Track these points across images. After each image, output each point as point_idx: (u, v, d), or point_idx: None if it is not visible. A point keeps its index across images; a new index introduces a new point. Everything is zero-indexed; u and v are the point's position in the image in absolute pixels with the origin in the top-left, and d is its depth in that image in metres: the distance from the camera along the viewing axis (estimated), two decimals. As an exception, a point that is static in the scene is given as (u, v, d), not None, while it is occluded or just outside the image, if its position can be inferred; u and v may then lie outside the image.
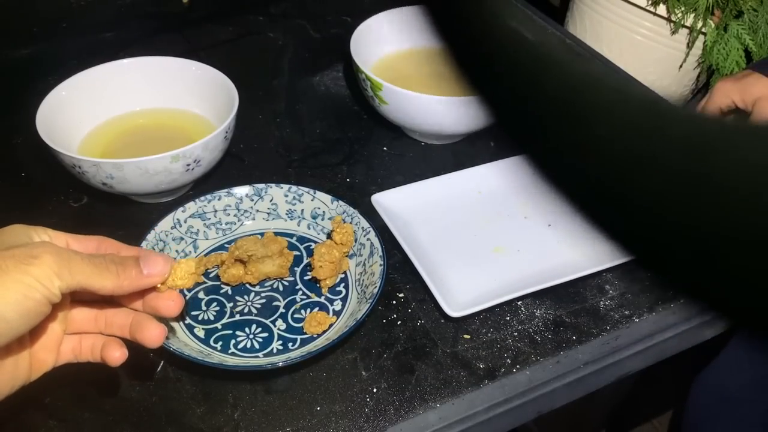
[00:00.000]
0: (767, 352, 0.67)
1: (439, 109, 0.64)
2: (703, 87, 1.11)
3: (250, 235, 0.57)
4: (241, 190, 0.59)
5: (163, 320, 0.51)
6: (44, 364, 0.41)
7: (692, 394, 0.76)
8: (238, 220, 0.60)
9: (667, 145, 0.20)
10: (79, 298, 0.41)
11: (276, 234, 0.57)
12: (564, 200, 0.23)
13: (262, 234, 0.58)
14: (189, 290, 0.55)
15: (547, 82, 0.23)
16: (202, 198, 0.58)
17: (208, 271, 0.56)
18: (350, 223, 0.57)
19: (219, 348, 0.51)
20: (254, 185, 0.60)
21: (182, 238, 0.57)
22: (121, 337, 0.42)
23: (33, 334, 0.39)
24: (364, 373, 0.50)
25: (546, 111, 0.23)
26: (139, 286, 0.41)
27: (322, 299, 0.55)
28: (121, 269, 0.39)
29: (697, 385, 0.76)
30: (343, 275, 0.56)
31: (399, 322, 0.54)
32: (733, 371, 0.72)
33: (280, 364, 0.47)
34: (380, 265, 0.53)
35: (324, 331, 0.52)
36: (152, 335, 0.41)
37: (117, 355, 0.41)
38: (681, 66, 1.06)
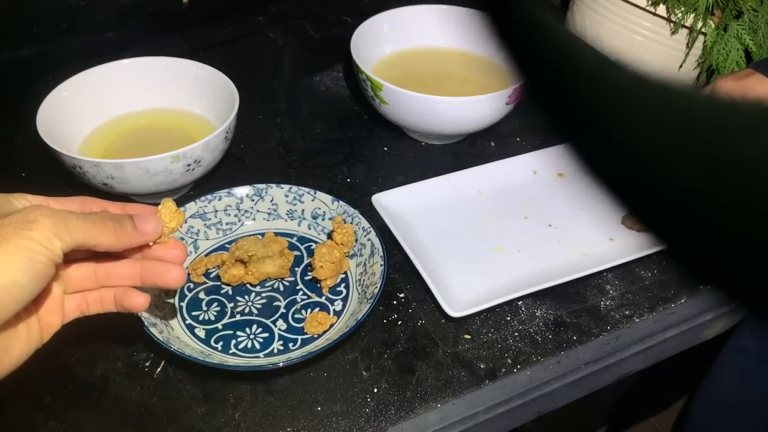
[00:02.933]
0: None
1: (439, 109, 0.64)
2: (702, 87, 1.11)
3: (250, 236, 0.57)
4: (242, 191, 0.59)
5: (164, 319, 0.51)
6: (52, 325, 0.41)
7: (693, 405, 0.76)
8: (239, 221, 0.60)
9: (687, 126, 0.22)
10: (72, 257, 0.41)
11: (276, 234, 0.57)
12: (605, 186, 0.25)
13: (262, 234, 0.58)
14: (190, 290, 0.55)
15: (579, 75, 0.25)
16: (203, 198, 0.58)
17: (209, 271, 0.56)
18: (351, 223, 0.57)
19: (220, 348, 0.51)
20: (255, 185, 0.60)
21: (182, 239, 0.57)
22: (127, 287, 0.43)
23: (35, 298, 0.39)
24: (364, 373, 0.50)
25: (582, 96, 0.25)
26: (136, 242, 0.42)
27: (323, 299, 0.55)
28: (117, 225, 0.40)
29: (698, 395, 0.76)
30: (343, 275, 0.56)
31: (400, 322, 0.54)
32: (735, 381, 0.72)
33: (281, 364, 0.47)
34: (381, 265, 0.53)
35: (324, 331, 0.52)
36: (174, 277, 0.42)
37: (141, 301, 0.42)
38: (681, 66, 1.06)
